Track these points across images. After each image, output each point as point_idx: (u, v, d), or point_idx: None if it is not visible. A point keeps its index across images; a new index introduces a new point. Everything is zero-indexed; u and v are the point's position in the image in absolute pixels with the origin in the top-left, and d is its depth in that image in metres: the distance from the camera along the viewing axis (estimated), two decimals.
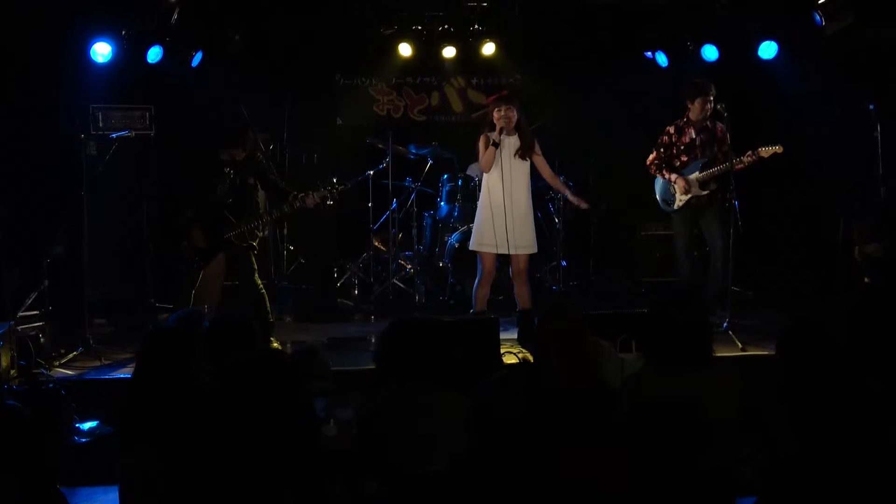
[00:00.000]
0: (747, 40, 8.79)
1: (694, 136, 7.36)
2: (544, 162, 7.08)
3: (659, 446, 2.89)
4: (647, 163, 7.50)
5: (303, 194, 6.73)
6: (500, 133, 6.77)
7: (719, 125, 7.33)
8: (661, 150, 7.44)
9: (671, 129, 7.43)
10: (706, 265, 7.58)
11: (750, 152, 7.03)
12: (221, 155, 6.70)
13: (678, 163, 7.38)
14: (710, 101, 7.24)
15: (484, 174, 7.00)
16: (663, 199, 7.52)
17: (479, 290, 7.05)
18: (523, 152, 6.88)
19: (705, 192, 7.29)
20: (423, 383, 3.79)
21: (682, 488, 2.85)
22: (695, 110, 7.31)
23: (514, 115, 6.83)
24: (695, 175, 7.31)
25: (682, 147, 7.38)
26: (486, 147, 6.84)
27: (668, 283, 8.29)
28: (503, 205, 6.82)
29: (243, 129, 6.81)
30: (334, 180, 6.90)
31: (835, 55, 8.54)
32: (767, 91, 9.11)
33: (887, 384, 3.44)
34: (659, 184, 7.52)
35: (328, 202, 6.87)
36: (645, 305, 6.58)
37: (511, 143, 6.89)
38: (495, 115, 6.82)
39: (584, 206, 7.22)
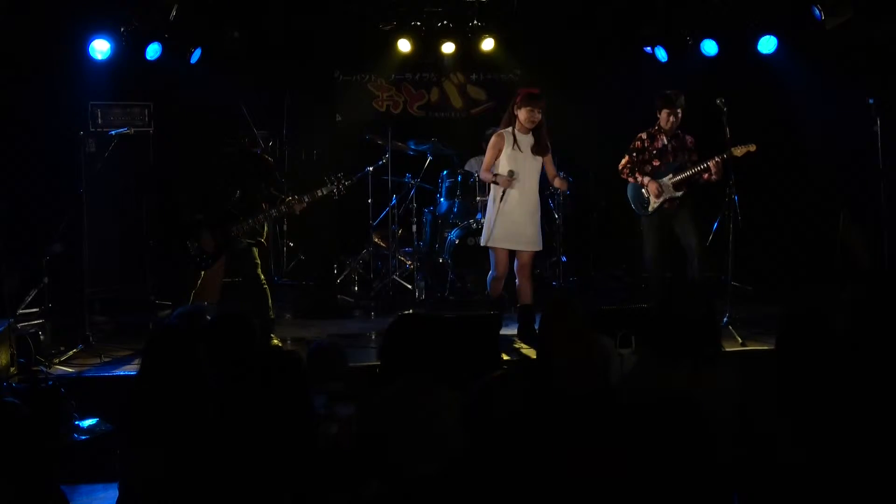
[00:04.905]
0: (747, 35, 8.79)
1: (666, 143, 7.44)
2: (551, 161, 7.04)
3: (658, 443, 2.89)
4: (619, 167, 7.54)
5: (291, 199, 6.75)
6: (512, 178, 6.73)
7: (688, 137, 7.47)
8: (634, 154, 7.49)
9: (643, 136, 7.50)
10: (680, 268, 7.60)
11: (722, 155, 7.01)
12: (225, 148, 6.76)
13: (649, 167, 7.44)
14: (677, 114, 7.31)
15: (500, 168, 6.89)
16: (636, 203, 7.53)
17: (495, 282, 7.07)
18: (538, 151, 6.86)
19: (679, 194, 7.34)
20: (426, 381, 3.78)
21: (681, 485, 2.85)
22: (661, 120, 7.39)
23: (540, 118, 6.78)
24: (668, 178, 7.35)
25: (655, 152, 7.45)
26: (494, 150, 6.83)
27: (669, 279, 8.27)
28: (526, 201, 6.83)
29: (267, 170, 6.94)
30: (340, 175, 6.92)
31: (834, 49, 8.55)
32: (767, 85, 9.10)
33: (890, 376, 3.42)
34: (630, 188, 7.55)
35: (334, 197, 6.91)
36: (648, 300, 6.67)
37: (527, 140, 6.86)
38: (524, 113, 6.74)
39: (563, 187, 7.23)
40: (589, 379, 3.70)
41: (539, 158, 6.89)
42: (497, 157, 6.86)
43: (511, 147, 6.81)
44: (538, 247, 7.00)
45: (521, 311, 7.03)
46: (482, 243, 7.06)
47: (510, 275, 7.13)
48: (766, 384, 3.55)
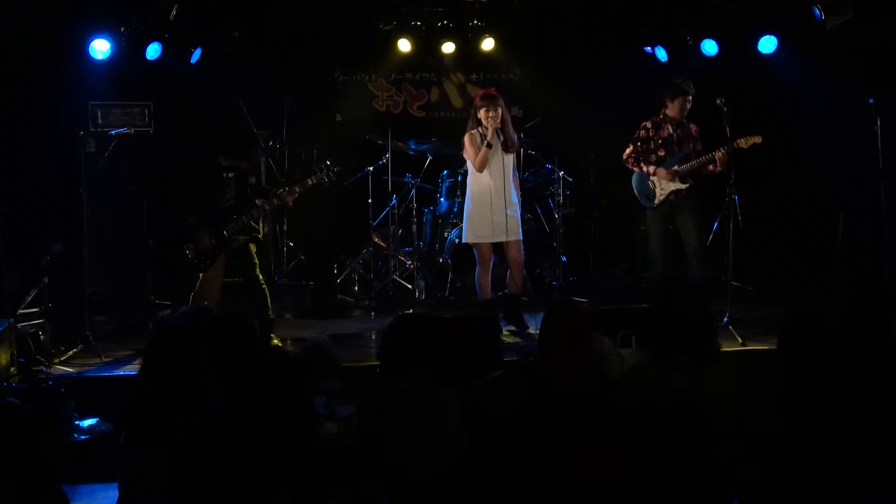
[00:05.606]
0: (747, 34, 8.79)
1: (672, 132, 7.44)
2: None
3: (658, 442, 2.89)
4: (624, 157, 7.56)
5: (283, 191, 6.77)
6: (495, 134, 7.07)
7: (692, 126, 7.49)
8: (638, 143, 7.50)
9: (648, 125, 7.52)
10: (680, 262, 7.62)
11: (725, 147, 7.04)
12: (223, 161, 6.73)
13: (654, 157, 7.44)
14: (690, 102, 7.37)
15: (471, 168, 7.24)
16: (643, 194, 7.53)
17: (482, 278, 7.25)
18: (507, 147, 7.15)
19: (686, 185, 7.34)
20: (425, 381, 3.78)
21: (681, 485, 2.85)
22: (674, 109, 7.42)
23: (501, 113, 7.10)
24: (674, 168, 7.35)
25: (660, 141, 7.45)
26: (474, 145, 7.12)
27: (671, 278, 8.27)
28: (501, 195, 7.06)
29: (253, 144, 6.88)
30: (328, 162, 6.96)
31: (834, 49, 8.54)
32: (767, 85, 9.10)
33: (880, 377, 3.42)
34: (636, 179, 7.55)
35: (324, 184, 6.96)
36: (647, 300, 6.66)
37: (496, 138, 7.13)
38: (482, 114, 7.09)
39: None
40: (588, 379, 3.70)
41: (510, 155, 7.21)
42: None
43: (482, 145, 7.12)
44: (519, 235, 7.17)
45: (507, 297, 7.23)
46: (465, 240, 7.30)
47: (504, 274, 7.25)
48: (766, 384, 3.55)
